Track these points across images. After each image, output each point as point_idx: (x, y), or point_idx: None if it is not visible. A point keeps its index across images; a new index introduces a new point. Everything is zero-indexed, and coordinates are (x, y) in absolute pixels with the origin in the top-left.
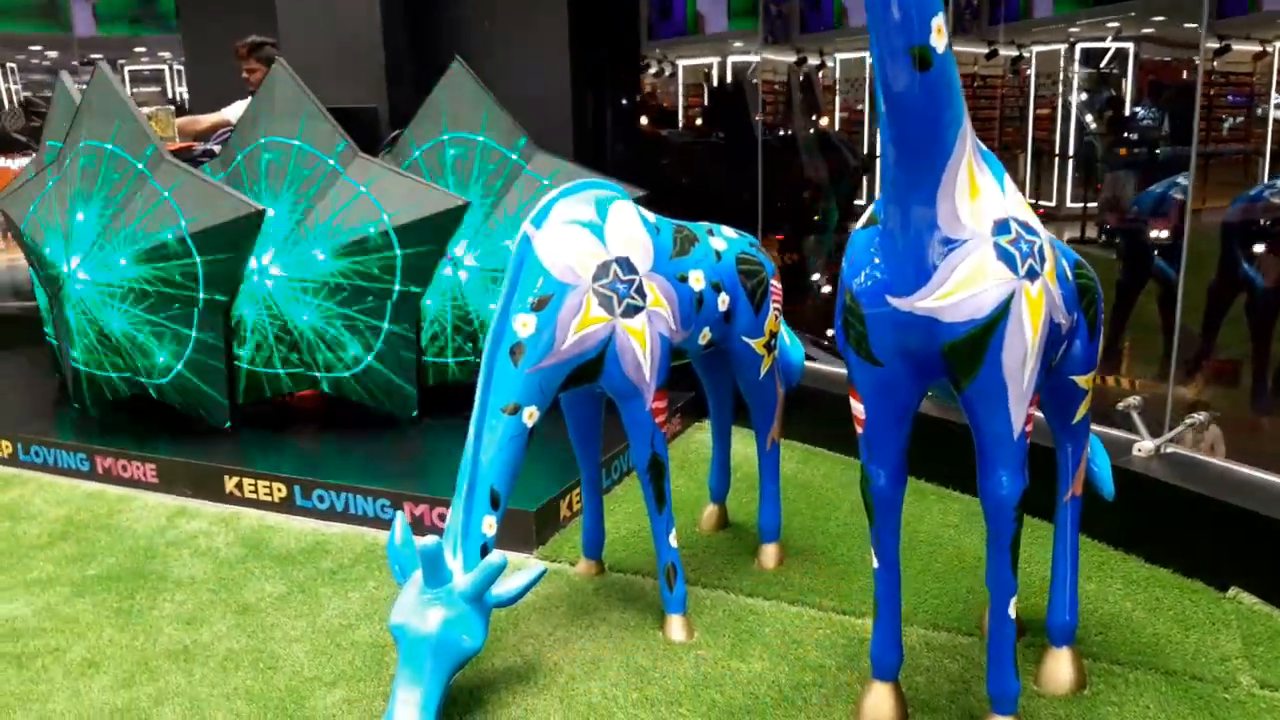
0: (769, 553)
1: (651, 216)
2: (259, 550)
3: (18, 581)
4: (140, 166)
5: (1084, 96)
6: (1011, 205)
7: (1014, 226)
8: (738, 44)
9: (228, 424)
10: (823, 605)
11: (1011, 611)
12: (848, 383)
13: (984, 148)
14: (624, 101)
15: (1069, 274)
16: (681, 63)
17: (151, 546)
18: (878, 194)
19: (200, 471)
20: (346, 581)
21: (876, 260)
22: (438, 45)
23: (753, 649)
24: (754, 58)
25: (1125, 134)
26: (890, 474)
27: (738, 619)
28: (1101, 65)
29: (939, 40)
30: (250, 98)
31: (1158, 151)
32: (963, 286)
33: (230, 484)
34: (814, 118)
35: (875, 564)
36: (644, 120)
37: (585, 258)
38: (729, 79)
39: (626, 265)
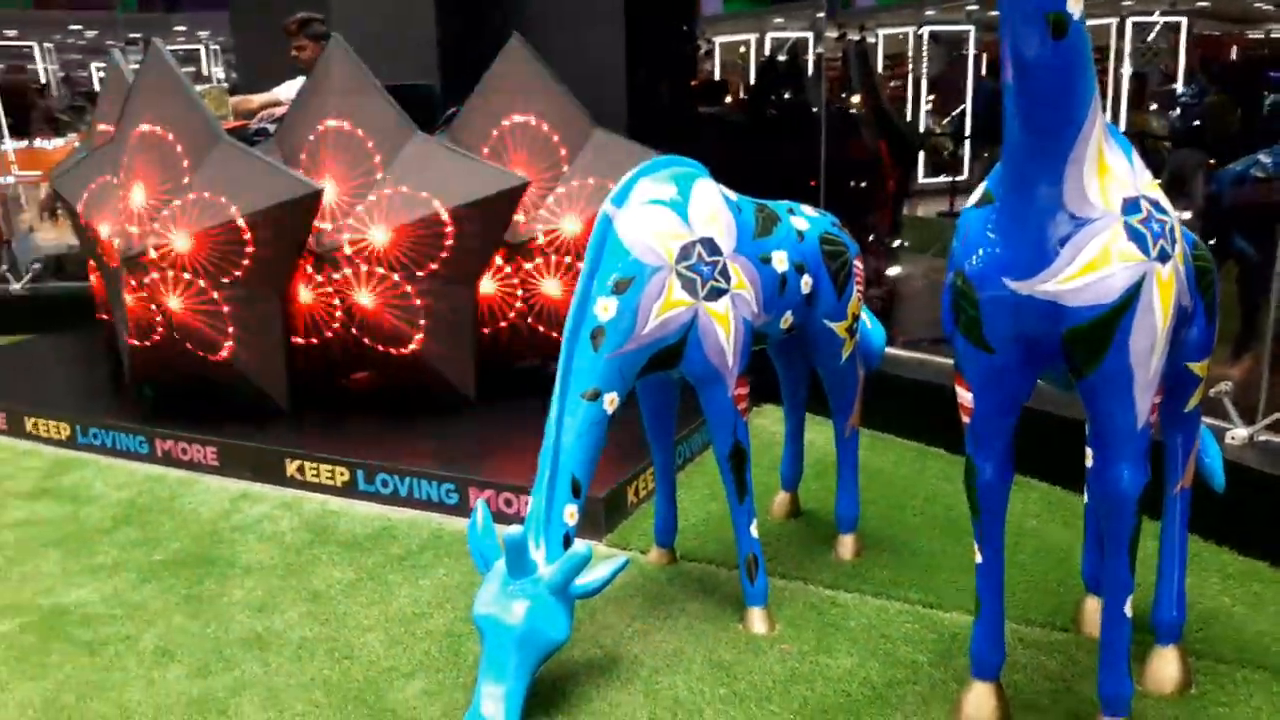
0: (847, 543)
1: (732, 195)
2: (325, 536)
3: (84, 567)
4: (197, 145)
5: (1132, 71)
6: (1142, 183)
7: (1144, 205)
8: (778, 20)
9: (286, 407)
10: (908, 599)
11: (1128, 611)
12: (955, 370)
13: (1111, 124)
14: (680, 77)
15: (1189, 255)
16: (720, 39)
17: (216, 531)
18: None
19: (261, 455)
20: (416, 568)
21: (993, 240)
22: (491, 20)
23: (839, 644)
24: (795, 34)
25: (1170, 112)
26: (997, 466)
27: (820, 612)
28: (1148, 39)
29: (1075, 5)
30: (300, 76)
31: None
32: (1090, 269)
33: (291, 467)
34: (871, 93)
35: (978, 559)
36: (699, 95)
37: (668, 238)
38: (782, 55)
39: (710, 246)
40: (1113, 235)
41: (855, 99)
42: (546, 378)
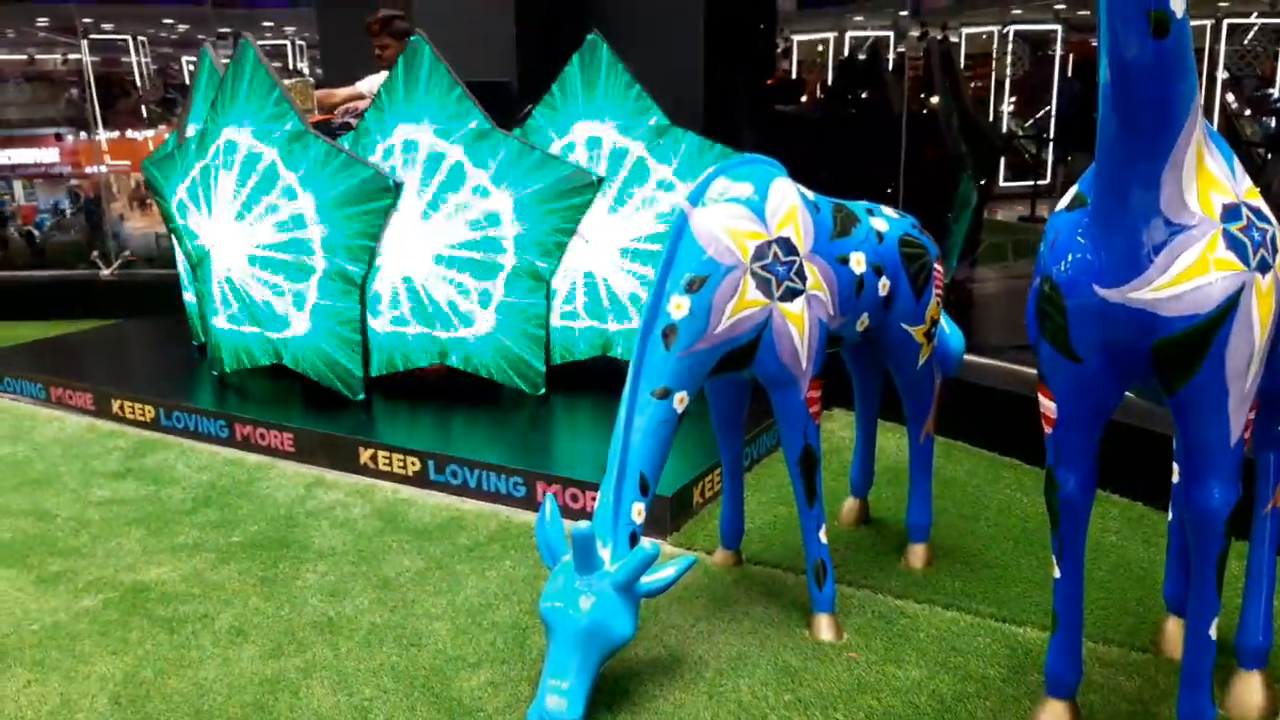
0: (918, 552)
1: (810, 194)
2: (395, 524)
3: (165, 546)
4: (281, 138)
5: (1226, 75)
6: (1242, 190)
7: (1245, 212)
8: (857, 18)
9: (361, 396)
10: (980, 611)
11: (1212, 633)
12: (1038, 378)
13: (1211, 128)
14: (758, 75)
15: None
16: (798, 38)
17: (291, 516)
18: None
19: (336, 443)
20: (483, 560)
21: (1083, 245)
22: (569, 18)
23: (908, 654)
24: (875, 32)
25: (1265, 117)
26: (1080, 479)
27: (889, 621)
28: (1245, 42)
29: (1178, 3)
30: (382, 72)
31: None
32: (1185, 277)
33: (365, 456)
34: (954, 94)
35: (1057, 574)
36: (776, 94)
37: (743, 237)
38: (862, 54)
39: (786, 246)
40: (1210, 243)
41: (935, 99)
42: (614, 373)
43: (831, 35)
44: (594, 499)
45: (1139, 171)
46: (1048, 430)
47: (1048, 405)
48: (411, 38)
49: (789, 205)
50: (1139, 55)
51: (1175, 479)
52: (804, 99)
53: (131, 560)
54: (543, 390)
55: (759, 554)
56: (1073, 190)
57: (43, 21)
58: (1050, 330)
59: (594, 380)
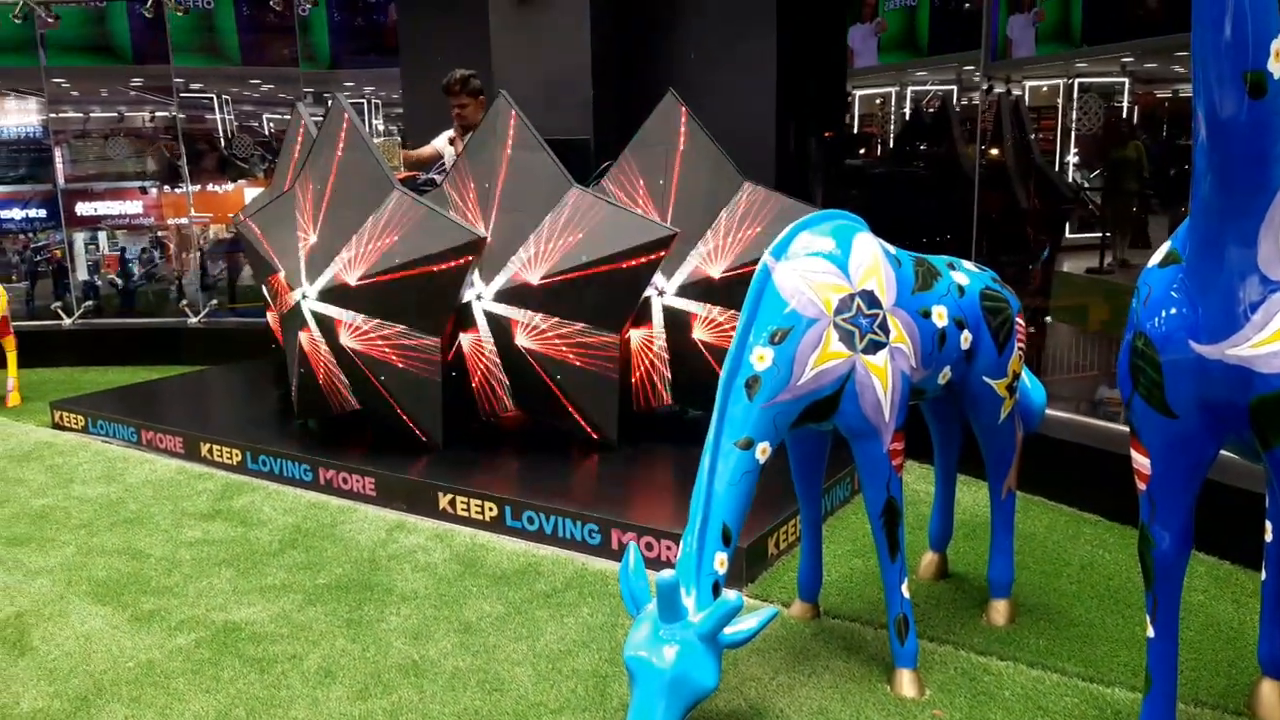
0: (1000, 609)
1: (892, 248)
2: (474, 568)
3: (254, 586)
4: (370, 194)
5: None
6: None
7: None
8: (920, 73)
9: (440, 442)
10: (1066, 670)
11: None
12: (1131, 434)
13: None
14: (828, 131)
15: None
16: (859, 92)
17: (374, 559)
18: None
19: (416, 488)
20: (561, 606)
21: (1178, 301)
22: (645, 76)
23: (993, 713)
24: (939, 87)
25: None
26: (1176, 536)
27: (972, 679)
28: None
29: (1276, 65)
30: (451, 130)
31: None
32: None
33: (444, 501)
34: (1024, 148)
35: (1150, 633)
36: (846, 149)
37: (827, 290)
38: (932, 108)
39: (869, 299)
40: None
41: (996, 152)
42: (687, 424)
43: (893, 90)
44: (668, 547)
45: (1235, 229)
46: (1141, 487)
47: (1141, 461)
48: (483, 94)
49: (872, 259)
50: (1235, 115)
51: (1268, 538)
52: (875, 153)
53: (222, 600)
54: (615, 440)
55: (836, 607)
56: (1165, 246)
57: (136, 81)
58: (1144, 386)
59: (666, 431)
